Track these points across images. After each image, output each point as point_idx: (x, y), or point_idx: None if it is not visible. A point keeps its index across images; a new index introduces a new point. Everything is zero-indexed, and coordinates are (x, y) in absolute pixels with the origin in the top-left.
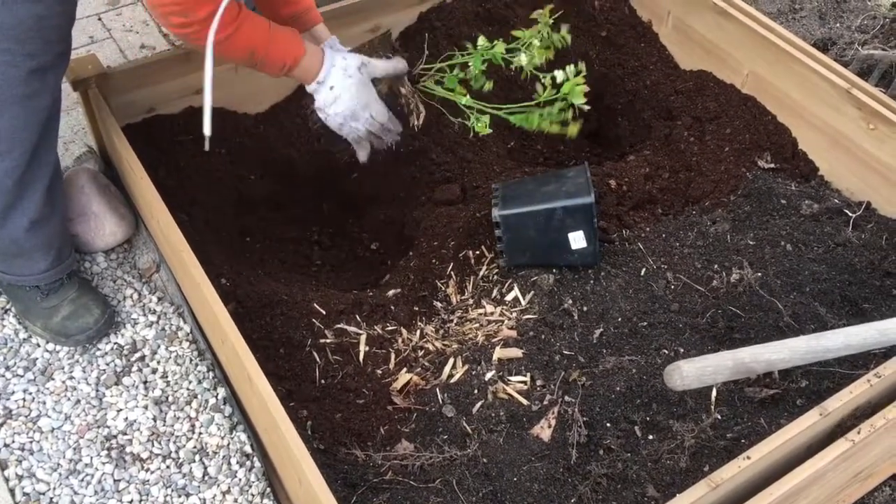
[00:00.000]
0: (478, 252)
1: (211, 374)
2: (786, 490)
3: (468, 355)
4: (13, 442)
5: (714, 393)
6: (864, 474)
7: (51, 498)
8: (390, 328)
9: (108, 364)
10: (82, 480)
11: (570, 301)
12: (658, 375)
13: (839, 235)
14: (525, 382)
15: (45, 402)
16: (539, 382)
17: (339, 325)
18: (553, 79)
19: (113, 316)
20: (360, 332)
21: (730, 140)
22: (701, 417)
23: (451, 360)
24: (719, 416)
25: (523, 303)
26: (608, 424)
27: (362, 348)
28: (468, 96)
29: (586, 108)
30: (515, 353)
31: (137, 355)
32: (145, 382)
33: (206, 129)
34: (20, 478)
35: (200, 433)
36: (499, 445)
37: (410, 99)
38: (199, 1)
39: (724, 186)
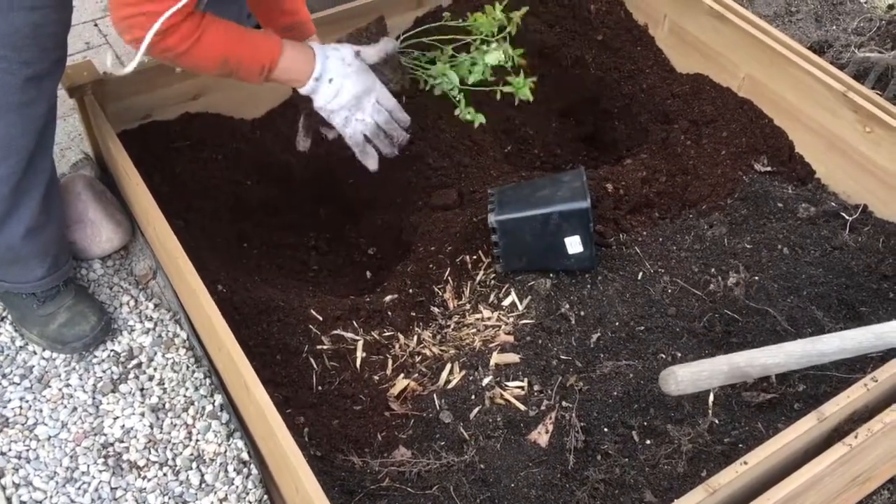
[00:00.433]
0: (475, 257)
1: (208, 380)
2: (783, 495)
3: (465, 361)
4: (10, 450)
5: (711, 397)
6: (861, 478)
7: None
8: (387, 334)
9: (104, 371)
10: (79, 488)
11: (567, 306)
12: (655, 380)
13: (836, 239)
14: (522, 388)
15: (41, 410)
16: (536, 388)
17: (336, 332)
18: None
19: (109, 323)
20: (357, 338)
21: (726, 143)
22: (698, 422)
23: (449, 366)
24: (716, 421)
25: (520, 308)
26: (606, 429)
27: (359, 354)
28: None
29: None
30: (512, 358)
31: (134, 362)
32: (142, 390)
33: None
34: (17, 486)
35: (197, 440)
36: (496, 451)
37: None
38: (164, 13)
39: (720, 190)
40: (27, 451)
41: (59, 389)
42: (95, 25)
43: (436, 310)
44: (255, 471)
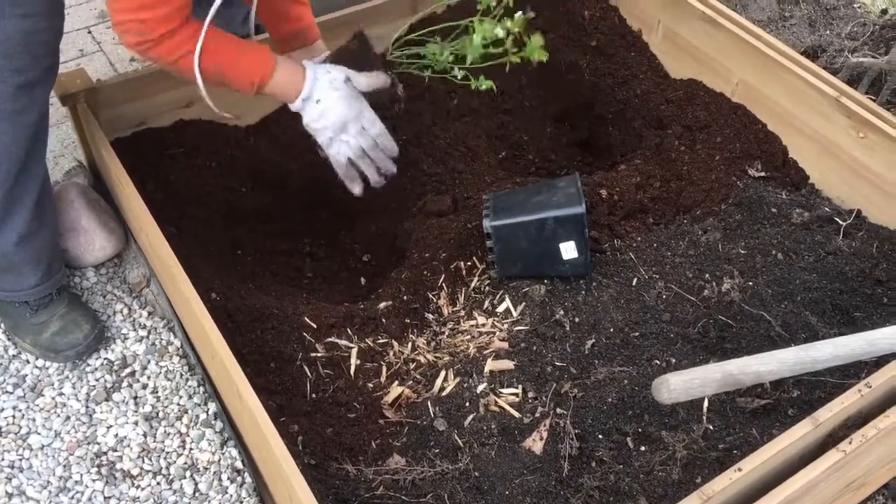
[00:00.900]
0: (469, 263)
1: (201, 389)
2: (778, 501)
3: (460, 368)
4: (2, 459)
5: (706, 403)
6: (856, 484)
7: None
8: (381, 341)
9: (97, 380)
10: (73, 498)
11: (562, 312)
12: (650, 386)
13: (830, 244)
14: (517, 395)
15: (34, 419)
16: (531, 394)
17: (330, 339)
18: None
19: (103, 331)
20: (352, 345)
21: (720, 149)
22: (692, 428)
23: (443, 373)
24: (711, 427)
25: (515, 314)
26: (600, 436)
27: (353, 362)
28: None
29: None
30: (507, 364)
31: (128, 371)
32: (135, 398)
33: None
34: (10, 496)
35: (191, 449)
36: (490, 459)
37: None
38: (158, 20)
39: (714, 195)
40: (20, 460)
41: (53, 398)
42: (89, 33)
43: (430, 316)
44: (249, 479)
